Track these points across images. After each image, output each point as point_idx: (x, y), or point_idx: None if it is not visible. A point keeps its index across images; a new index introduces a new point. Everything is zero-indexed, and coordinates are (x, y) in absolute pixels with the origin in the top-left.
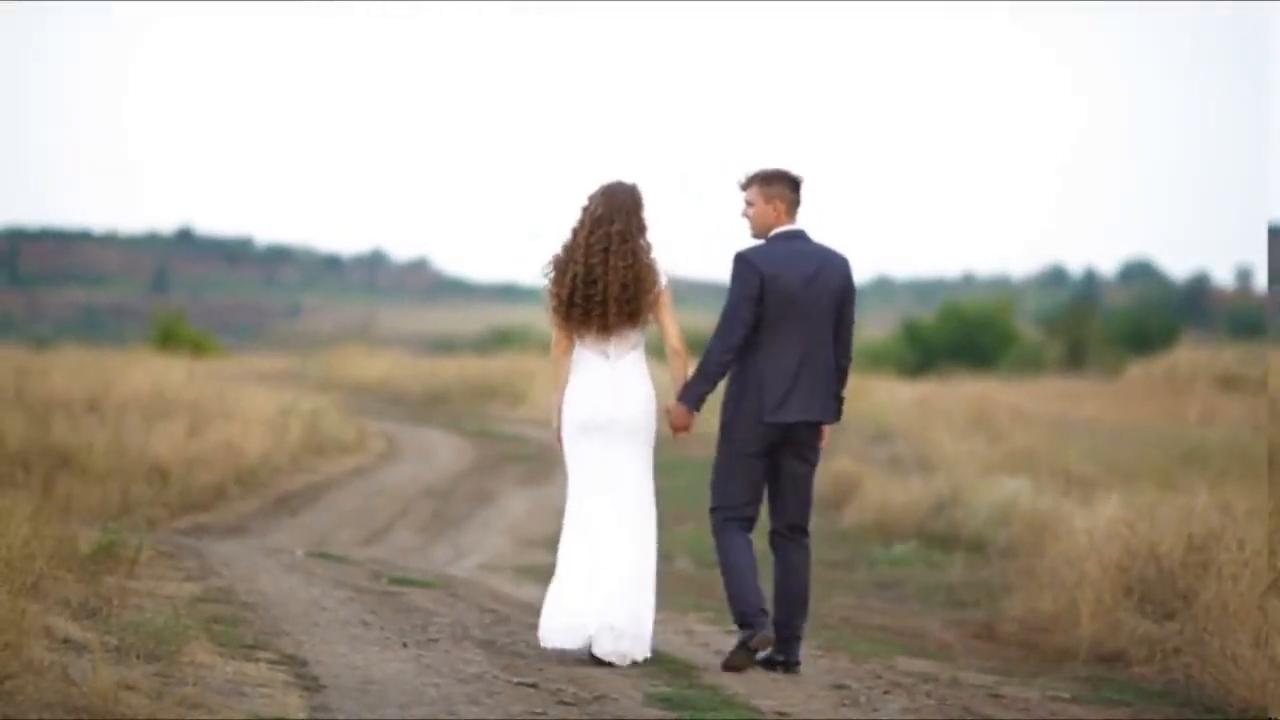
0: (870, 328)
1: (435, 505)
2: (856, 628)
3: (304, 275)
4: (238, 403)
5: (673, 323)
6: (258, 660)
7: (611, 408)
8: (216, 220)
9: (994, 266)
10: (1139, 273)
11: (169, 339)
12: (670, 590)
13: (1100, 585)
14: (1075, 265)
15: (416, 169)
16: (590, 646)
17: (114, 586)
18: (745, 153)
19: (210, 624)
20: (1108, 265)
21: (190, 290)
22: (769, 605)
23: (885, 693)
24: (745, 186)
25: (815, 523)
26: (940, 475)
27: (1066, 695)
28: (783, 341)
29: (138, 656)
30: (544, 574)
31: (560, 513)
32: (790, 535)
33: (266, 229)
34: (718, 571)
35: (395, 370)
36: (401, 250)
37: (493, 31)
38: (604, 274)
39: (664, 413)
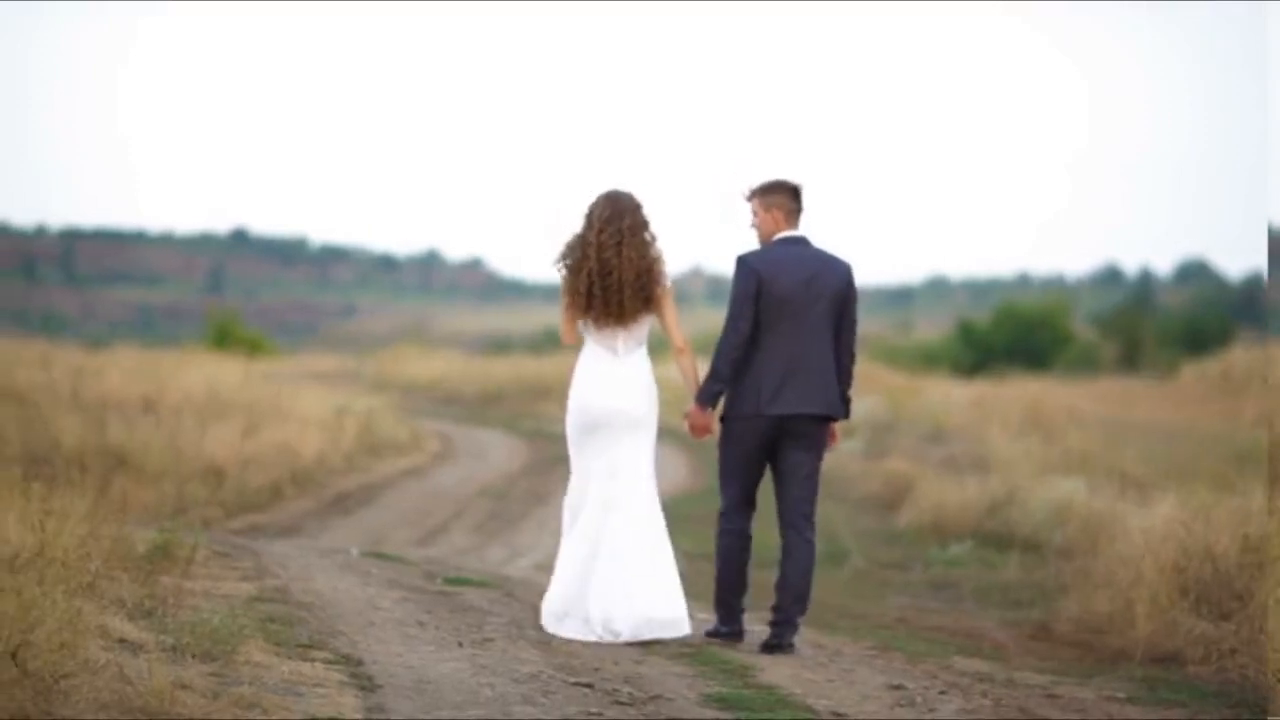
0: (925, 328)
1: (490, 505)
2: (912, 628)
3: (359, 275)
4: (293, 403)
5: (675, 322)
6: (313, 660)
7: (616, 400)
8: (271, 220)
9: (1049, 266)
10: (1195, 272)
11: (224, 339)
12: None
13: (1156, 586)
14: (1131, 265)
15: (472, 169)
16: (591, 634)
17: (170, 586)
18: (799, 158)
19: (266, 624)
20: (1163, 265)
21: (245, 290)
22: (771, 598)
23: (941, 693)
24: (749, 199)
25: (869, 523)
26: (996, 475)
27: (1122, 695)
28: (779, 340)
29: (193, 656)
30: None
31: None
32: (794, 526)
33: (321, 229)
34: (768, 570)
35: (450, 370)
36: (456, 250)
37: (549, 32)
38: (618, 264)
39: (684, 417)
